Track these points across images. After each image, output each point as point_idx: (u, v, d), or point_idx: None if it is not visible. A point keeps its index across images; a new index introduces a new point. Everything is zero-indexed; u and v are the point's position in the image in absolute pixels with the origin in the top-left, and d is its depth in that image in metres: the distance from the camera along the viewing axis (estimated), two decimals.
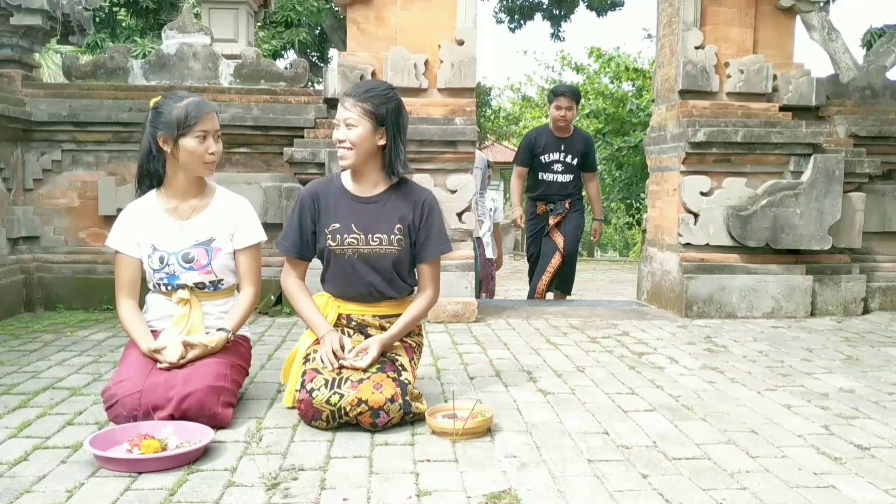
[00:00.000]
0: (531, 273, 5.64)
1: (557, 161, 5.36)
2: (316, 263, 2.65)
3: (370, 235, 2.51)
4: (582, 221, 5.54)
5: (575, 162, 5.37)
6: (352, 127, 2.45)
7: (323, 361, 2.41)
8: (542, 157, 5.37)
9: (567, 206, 5.36)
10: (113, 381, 2.34)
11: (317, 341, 2.53)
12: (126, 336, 2.62)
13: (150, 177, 2.55)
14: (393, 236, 2.52)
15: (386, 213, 2.54)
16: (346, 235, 2.51)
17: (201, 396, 2.27)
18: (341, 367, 2.39)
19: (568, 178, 5.37)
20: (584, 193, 5.64)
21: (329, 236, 2.52)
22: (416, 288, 2.68)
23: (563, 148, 5.37)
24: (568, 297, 5.68)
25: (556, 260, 5.36)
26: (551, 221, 5.38)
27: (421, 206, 2.57)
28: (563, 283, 5.54)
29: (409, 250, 2.57)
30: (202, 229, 2.55)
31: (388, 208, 2.54)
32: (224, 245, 2.56)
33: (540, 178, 5.41)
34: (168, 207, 2.55)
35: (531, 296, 5.58)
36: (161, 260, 2.50)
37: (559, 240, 5.37)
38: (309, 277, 2.66)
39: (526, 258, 5.91)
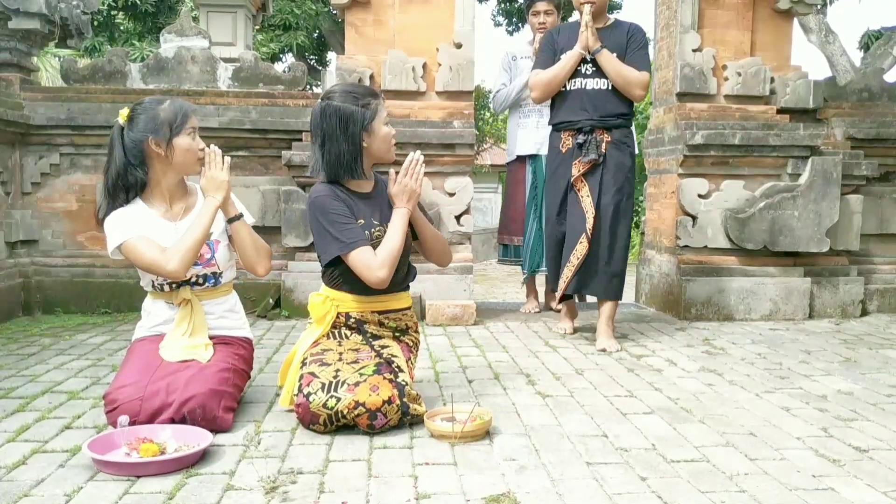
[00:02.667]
0: (548, 254, 3.98)
1: (585, 60, 3.72)
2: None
3: (387, 224, 2.57)
4: (627, 181, 3.72)
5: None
6: None
7: None
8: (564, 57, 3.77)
9: (604, 144, 3.66)
10: (114, 386, 2.33)
11: (315, 343, 2.53)
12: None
13: (128, 189, 2.50)
14: None
15: (387, 202, 2.61)
16: (372, 229, 2.55)
17: (203, 400, 2.28)
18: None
19: (601, 83, 3.68)
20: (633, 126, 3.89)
21: None
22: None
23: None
24: (608, 306, 3.73)
25: (581, 245, 3.65)
26: (575, 171, 3.68)
27: None
28: (591, 277, 3.69)
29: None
30: None
31: (386, 197, 2.62)
32: (222, 237, 2.59)
33: (562, 90, 3.78)
34: (159, 212, 2.55)
35: (555, 289, 3.94)
36: None
37: (589, 211, 3.65)
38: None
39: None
